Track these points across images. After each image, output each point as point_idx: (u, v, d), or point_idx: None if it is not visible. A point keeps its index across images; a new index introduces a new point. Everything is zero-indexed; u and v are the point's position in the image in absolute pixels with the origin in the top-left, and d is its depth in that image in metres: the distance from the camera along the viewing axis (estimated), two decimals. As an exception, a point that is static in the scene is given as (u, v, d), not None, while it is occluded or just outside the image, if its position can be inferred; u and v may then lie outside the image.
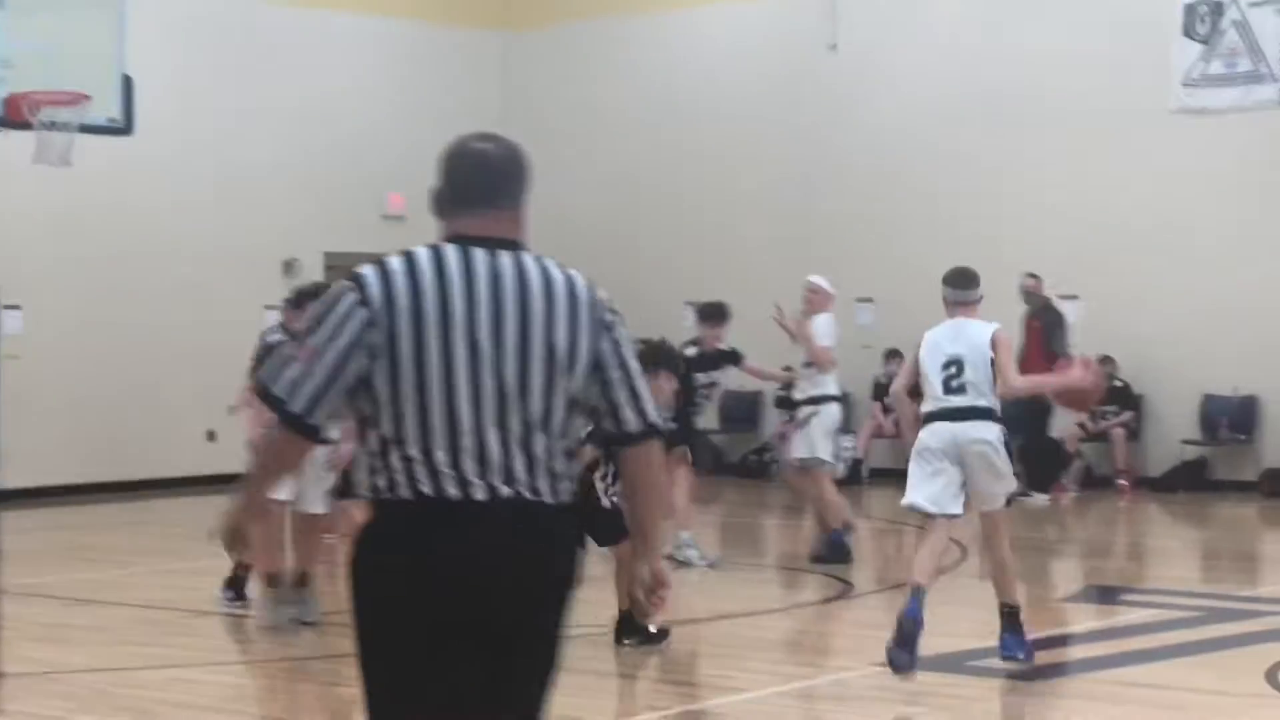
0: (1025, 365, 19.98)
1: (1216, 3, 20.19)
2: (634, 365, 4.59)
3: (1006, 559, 9.97)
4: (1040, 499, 19.31)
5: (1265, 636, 10.93)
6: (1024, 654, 9.86)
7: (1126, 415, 20.28)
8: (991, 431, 9.72)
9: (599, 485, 10.78)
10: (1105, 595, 12.95)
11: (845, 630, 12.20)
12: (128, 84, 14.80)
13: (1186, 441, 20.31)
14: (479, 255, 4.49)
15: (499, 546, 4.38)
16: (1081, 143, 20.74)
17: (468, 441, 4.37)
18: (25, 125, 13.97)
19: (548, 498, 4.44)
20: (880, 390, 21.31)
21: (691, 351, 14.63)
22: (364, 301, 4.39)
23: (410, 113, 23.98)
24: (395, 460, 4.40)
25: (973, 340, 9.99)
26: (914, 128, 21.74)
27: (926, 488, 9.72)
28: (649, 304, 23.44)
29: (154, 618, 11.95)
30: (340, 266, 23.31)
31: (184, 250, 21.04)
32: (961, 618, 12.45)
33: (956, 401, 9.77)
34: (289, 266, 21.79)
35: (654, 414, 4.57)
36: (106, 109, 14.60)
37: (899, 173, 21.83)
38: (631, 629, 10.55)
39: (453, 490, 4.36)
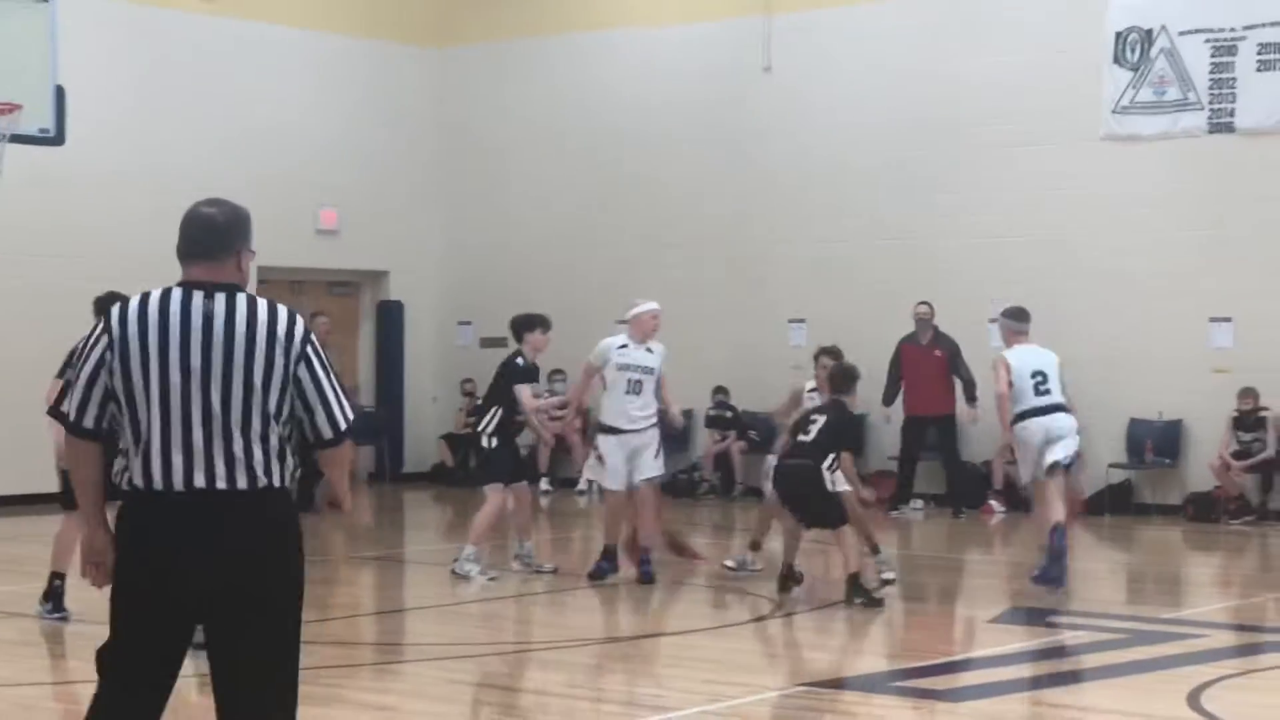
0: (927, 390, 20.20)
1: (1146, 30, 20.38)
2: (326, 384, 5.70)
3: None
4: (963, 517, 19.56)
5: (1189, 659, 11.02)
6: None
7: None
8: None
9: (826, 477, 12.92)
10: (1031, 616, 13.02)
11: (775, 649, 12.23)
12: (60, 94, 14.71)
13: (1113, 465, 20.47)
14: (197, 297, 5.65)
15: (205, 525, 5.55)
16: (1012, 166, 20.88)
17: (178, 444, 5.55)
18: (-44, 135, 13.91)
19: (242, 485, 5.55)
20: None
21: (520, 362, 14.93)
22: (107, 329, 5.66)
23: (346, 128, 23.96)
24: (132, 454, 5.62)
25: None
26: (847, 150, 21.86)
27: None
28: (583, 321, 23.45)
29: (83, 631, 11.88)
30: (274, 281, 23.28)
31: (116, 259, 20.93)
32: (884, 639, 12.52)
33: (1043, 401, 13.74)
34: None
35: (343, 423, 5.71)
36: (38, 118, 14.50)
37: (833, 194, 21.94)
38: (858, 591, 12.70)
39: (167, 481, 5.55)
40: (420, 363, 25.04)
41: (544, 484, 22.83)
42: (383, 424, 24.45)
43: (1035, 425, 13.74)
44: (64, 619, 11.72)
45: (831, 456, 13.21)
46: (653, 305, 14.99)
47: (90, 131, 18.76)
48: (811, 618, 13.05)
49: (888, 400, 20.45)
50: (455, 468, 23.73)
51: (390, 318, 24.61)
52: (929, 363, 20.25)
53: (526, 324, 15.33)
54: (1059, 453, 13.78)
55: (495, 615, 13.40)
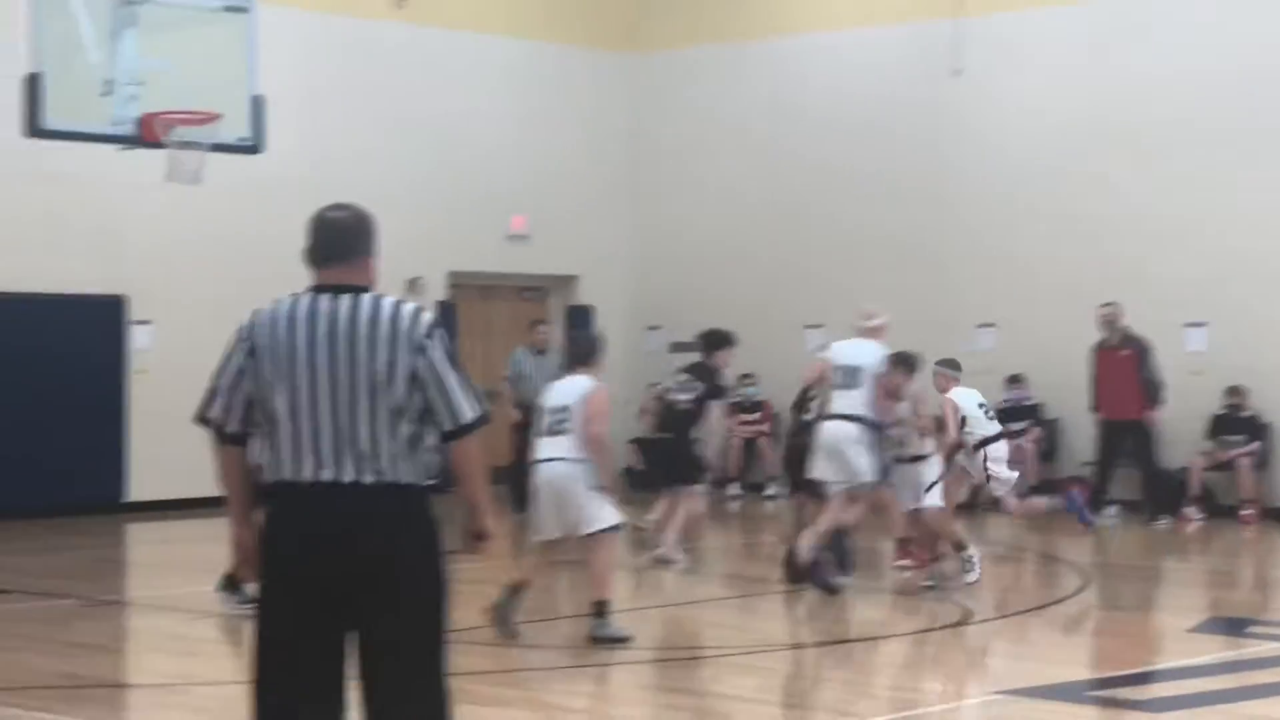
0: (1119, 393, 19.87)
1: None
2: (448, 377, 5.82)
3: None
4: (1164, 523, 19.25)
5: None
6: None
7: (1254, 445, 20.01)
8: None
9: None
10: (1230, 626, 12.78)
11: (967, 655, 12.11)
12: (258, 103, 14.94)
13: (1312, 470, 20.04)
14: (324, 299, 5.87)
15: (335, 517, 5.74)
16: (1209, 166, 20.49)
17: (308, 440, 5.76)
18: (158, 144, 14.15)
19: (369, 480, 5.72)
20: (1004, 416, 21.13)
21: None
22: (244, 337, 5.95)
23: (536, 134, 24.11)
24: (269, 452, 5.85)
25: None
26: (1039, 152, 21.57)
27: None
28: (770, 325, 23.46)
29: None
30: (464, 285, 23.51)
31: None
32: (1080, 647, 12.35)
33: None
34: (413, 285, 21.95)
35: (465, 416, 5.81)
36: (237, 128, 14.73)
37: (1023, 198, 21.67)
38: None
39: (298, 475, 5.76)
40: (609, 367, 25.05)
41: (734, 488, 22.85)
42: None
43: (998, 449, 14.83)
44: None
45: None
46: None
47: (286, 140, 19.02)
48: (1004, 625, 12.91)
49: (1095, 406, 20.08)
50: (645, 471, 23.74)
51: (581, 322, 24.72)
52: (1118, 365, 19.87)
53: (720, 341, 15.79)
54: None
55: (684, 619, 13.40)
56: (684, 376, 16.05)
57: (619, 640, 11.39)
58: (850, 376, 13.97)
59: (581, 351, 12.11)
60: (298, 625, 5.76)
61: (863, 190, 22.96)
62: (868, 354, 14.16)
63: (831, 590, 13.47)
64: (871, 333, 14.61)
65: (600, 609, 11.49)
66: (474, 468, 5.95)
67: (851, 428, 13.80)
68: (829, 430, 13.88)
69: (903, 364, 14.16)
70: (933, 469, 14.23)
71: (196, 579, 13.77)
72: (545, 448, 11.63)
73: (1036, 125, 21.65)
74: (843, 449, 13.78)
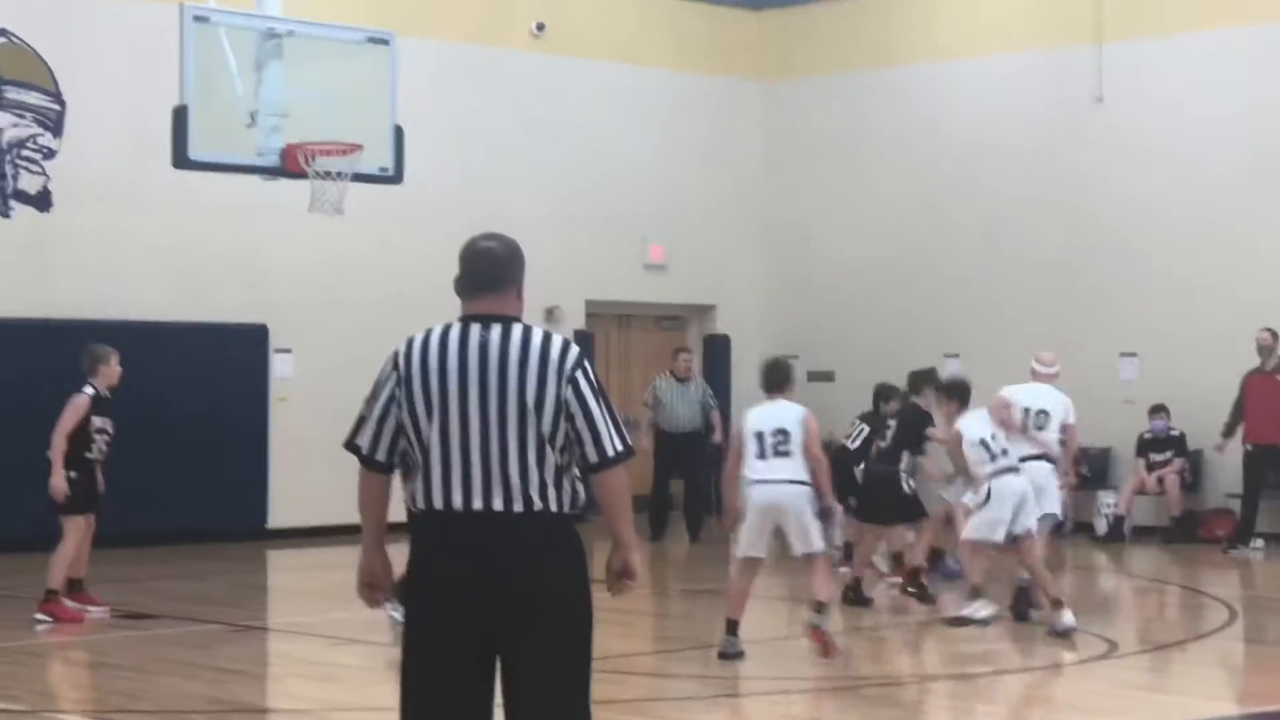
0: (1272, 420, 19.53)
1: None
2: (595, 408, 5.85)
3: None
4: None
5: None
6: None
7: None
8: None
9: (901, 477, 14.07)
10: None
11: (1112, 688, 11.95)
12: (398, 133, 15.07)
13: None
14: (475, 329, 5.92)
15: (484, 546, 5.78)
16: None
17: (458, 469, 5.80)
18: (300, 175, 14.30)
19: (518, 509, 5.76)
20: (1144, 446, 20.90)
21: None
22: (396, 367, 5.96)
23: (672, 163, 24.15)
24: (419, 480, 5.87)
25: None
26: (1183, 181, 21.29)
27: None
28: (907, 354, 23.29)
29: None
30: (602, 315, 23.58)
31: (446, 294, 21.40)
32: (1227, 682, 12.15)
33: None
34: (551, 314, 22.06)
35: (611, 449, 5.85)
36: (378, 158, 14.86)
37: (1165, 227, 21.38)
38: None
39: (448, 504, 5.80)
40: (748, 396, 24.97)
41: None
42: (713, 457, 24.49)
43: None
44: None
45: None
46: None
47: (426, 170, 19.17)
48: (1149, 658, 12.73)
49: (1228, 432, 19.80)
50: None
51: (718, 351, 24.70)
52: (1272, 390, 19.52)
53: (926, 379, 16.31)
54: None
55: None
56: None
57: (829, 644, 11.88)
58: (1042, 419, 14.51)
59: (781, 376, 12.39)
60: (444, 652, 5.79)
61: (1002, 218, 22.78)
62: (1052, 398, 14.72)
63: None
64: (1049, 378, 14.91)
65: (821, 607, 11.97)
66: (620, 501, 5.96)
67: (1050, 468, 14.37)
68: (1034, 471, 14.06)
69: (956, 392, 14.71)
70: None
71: (335, 605, 13.88)
72: (768, 469, 11.92)
73: (1179, 152, 21.38)
74: (1045, 488, 14.13)
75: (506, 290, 6.01)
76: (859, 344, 23.79)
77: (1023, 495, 13.53)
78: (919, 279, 23.47)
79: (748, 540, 12.02)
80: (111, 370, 14.00)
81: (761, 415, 12.11)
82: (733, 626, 11.97)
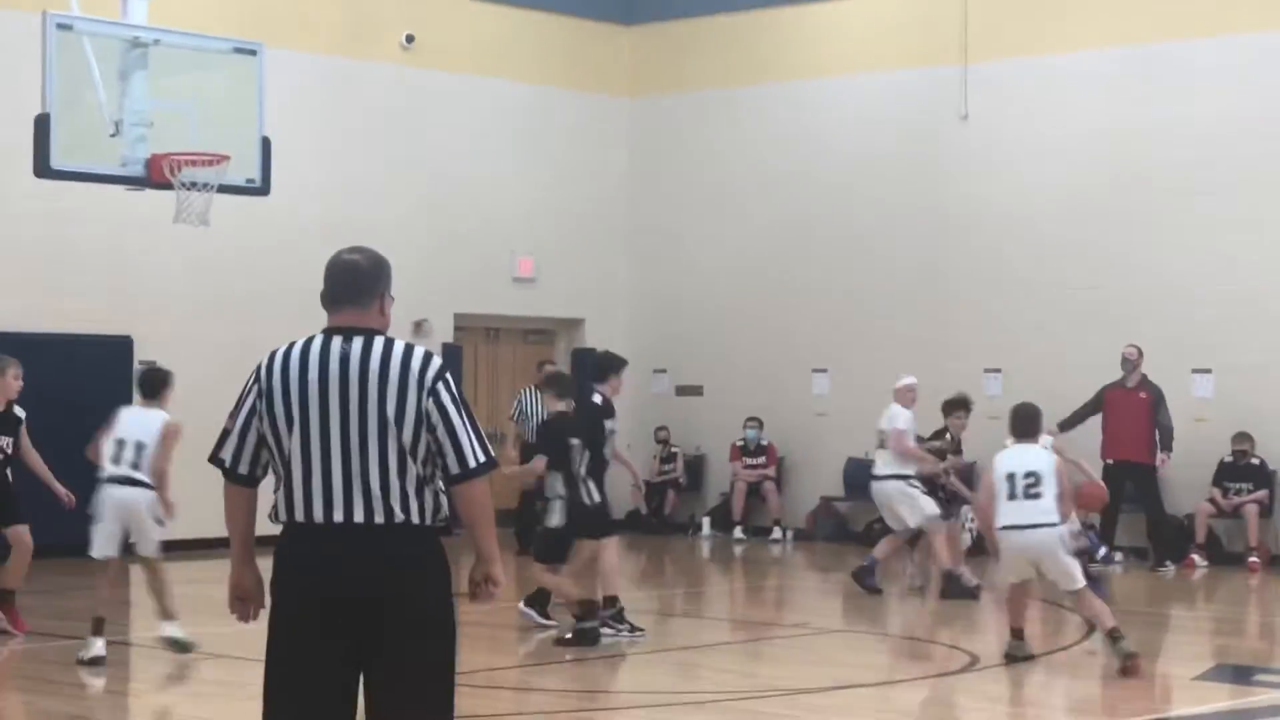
0: (1129, 436, 19.85)
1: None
2: (456, 420, 5.87)
3: None
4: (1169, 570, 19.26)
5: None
6: None
7: (1261, 493, 19.98)
8: None
9: (583, 488, 13.48)
10: (1237, 674, 12.73)
11: (967, 703, 12.08)
12: (265, 145, 14.98)
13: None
14: (337, 341, 5.94)
15: (345, 558, 5.79)
16: (1214, 215, 20.52)
17: (318, 480, 5.81)
18: (166, 185, 14.16)
19: (379, 520, 5.78)
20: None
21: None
22: (257, 379, 6.00)
23: (541, 177, 24.16)
24: (281, 492, 5.89)
25: None
26: (1049, 197, 21.59)
27: None
28: (774, 371, 23.51)
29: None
30: (470, 328, 23.54)
31: (314, 307, 21.28)
32: (1084, 694, 12.29)
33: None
34: (419, 327, 21.98)
35: (473, 460, 5.87)
36: (245, 169, 14.76)
37: (1033, 243, 21.67)
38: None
39: (309, 516, 5.81)
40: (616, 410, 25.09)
41: (739, 532, 22.90)
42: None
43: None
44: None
45: None
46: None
47: (292, 182, 19.07)
48: (1008, 671, 12.86)
49: (1064, 427, 19.85)
50: (650, 515, 23.76)
51: (586, 365, 24.70)
52: (1133, 406, 19.83)
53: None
54: None
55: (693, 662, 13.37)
56: None
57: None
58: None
59: (1033, 422, 12.88)
60: (306, 664, 5.79)
61: (870, 233, 22.99)
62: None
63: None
64: (904, 395, 15.56)
65: (1115, 633, 12.23)
66: (482, 513, 5.97)
67: None
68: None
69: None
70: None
71: (203, 619, 13.74)
72: (1018, 512, 12.26)
73: (1042, 167, 21.67)
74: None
75: (369, 303, 6.02)
76: (727, 358, 23.93)
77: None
78: (787, 293, 23.62)
79: (1007, 571, 12.60)
80: (8, 384, 13.59)
81: (1012, 458, 12.44)
82: (1018, 633, 12.61)
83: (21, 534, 13.70)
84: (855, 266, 23.11)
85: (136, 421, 12.58)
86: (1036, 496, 12.15)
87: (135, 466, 12.41)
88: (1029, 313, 21.63)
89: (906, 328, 22.39)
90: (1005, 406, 21.01)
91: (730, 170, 24.32)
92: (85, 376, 19.76)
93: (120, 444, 12.37)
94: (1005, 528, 12.22)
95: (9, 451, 13.61)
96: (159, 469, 12.42)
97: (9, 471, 13.66)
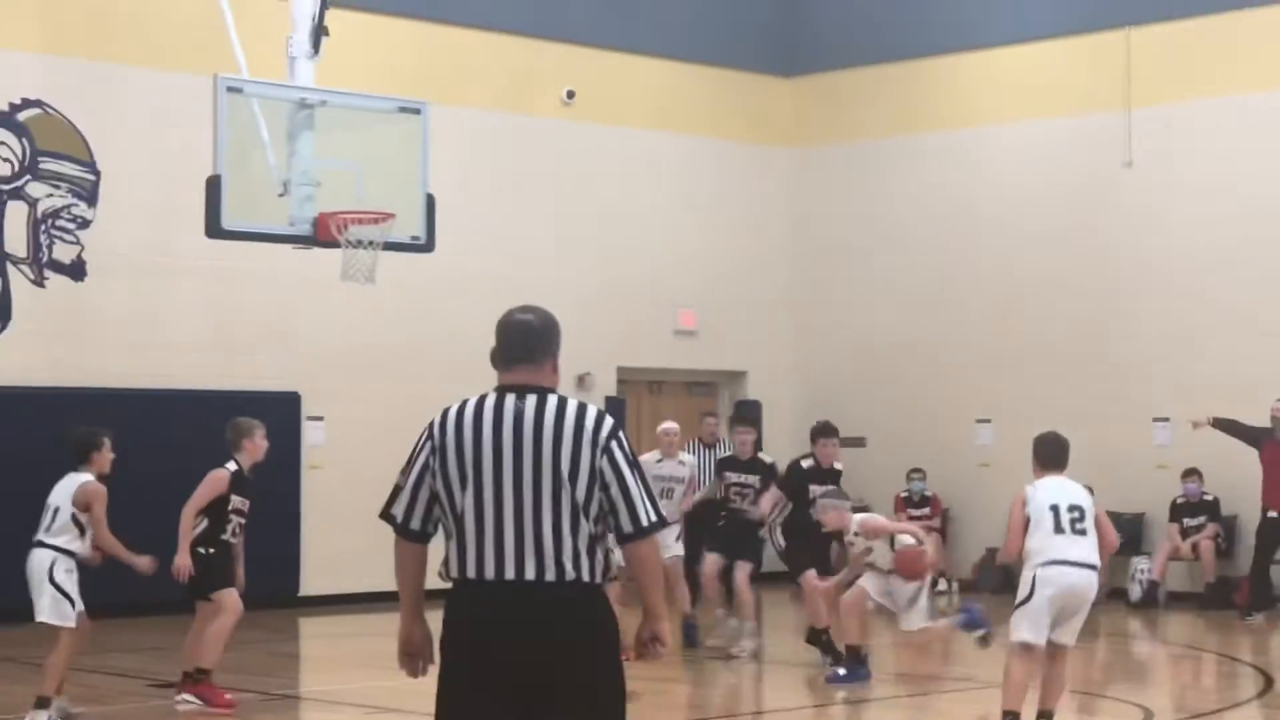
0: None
1: None
2: (630, 479, 5.88)
3: None
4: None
5: None
6: None
7: None
8: None
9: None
10: None
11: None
12: (430, 202, 15.11)
13: None
14: (510, 399, 5.98)
15: (517, 615, 5.81)
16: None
17: (491, 538, 5.84)
18: (332, 243, 14.33)
19: (550, 577, 5.79)
20: (1178, 511, 20.81)
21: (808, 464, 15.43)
22: (430, 436, 6.03)
23: (702, 229, 24.21)
24: (453, 549, 5.93)
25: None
26: (1214, 243, 21.28)
27: None
28: (937, 422, 23.32)
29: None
30: (633, 381, 23.59)
31: (479, 362, 21.42)
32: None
33: None
34: (582, 380, 22.09)
35: (645, 519, 5.88)
36: (409, 227, 14.89)
37: (1199, 290, 21.36)
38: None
39: (481, 573, 5.85)
40: (779, 461, 25.03)
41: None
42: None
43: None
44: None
45: None
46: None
47: (456, 237, 19.25)
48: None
49: (1221, 425, 19.49)
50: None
51: (748, 415, 24.65)
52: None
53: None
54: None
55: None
56: None
57: None
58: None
59: (1065, 451, 11.53)
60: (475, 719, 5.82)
61: (1032, 282, 22.78)
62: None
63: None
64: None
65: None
66: (651, 572, 6.00)
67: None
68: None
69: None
70: None
71: (370, 674, 13.86)
72: (1069, 548, 10.88)
73: (1209, 216, 21.37)
74: None
75: (542, 362, 6.08)
76: (890, 409, 23.78)
77: None
78: (949, 343, 23.46)
79: (1032, 624, 10.82)
80: (257, 446, 13.45)
81: (1054, 489, 11.13)
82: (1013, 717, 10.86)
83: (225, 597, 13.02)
84: (1018, 315, 22.90)
85: (60, 488, 12.20)
86: (1084, 533, 10.84)
87: (47, 530, 12.15)
88: (1194, 363, 21.28)
89: (1070, 376, 22.14)
90: (1174, 457, 21.02)
91: (891, 220, 24.21)
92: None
93: (45, 509, 12.15)
94: (1053, 563, 10.78)
95: (246, 513, 13.26)
96: (98, 536, 12.13)
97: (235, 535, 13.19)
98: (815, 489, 15.03)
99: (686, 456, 16.88)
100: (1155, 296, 21.78)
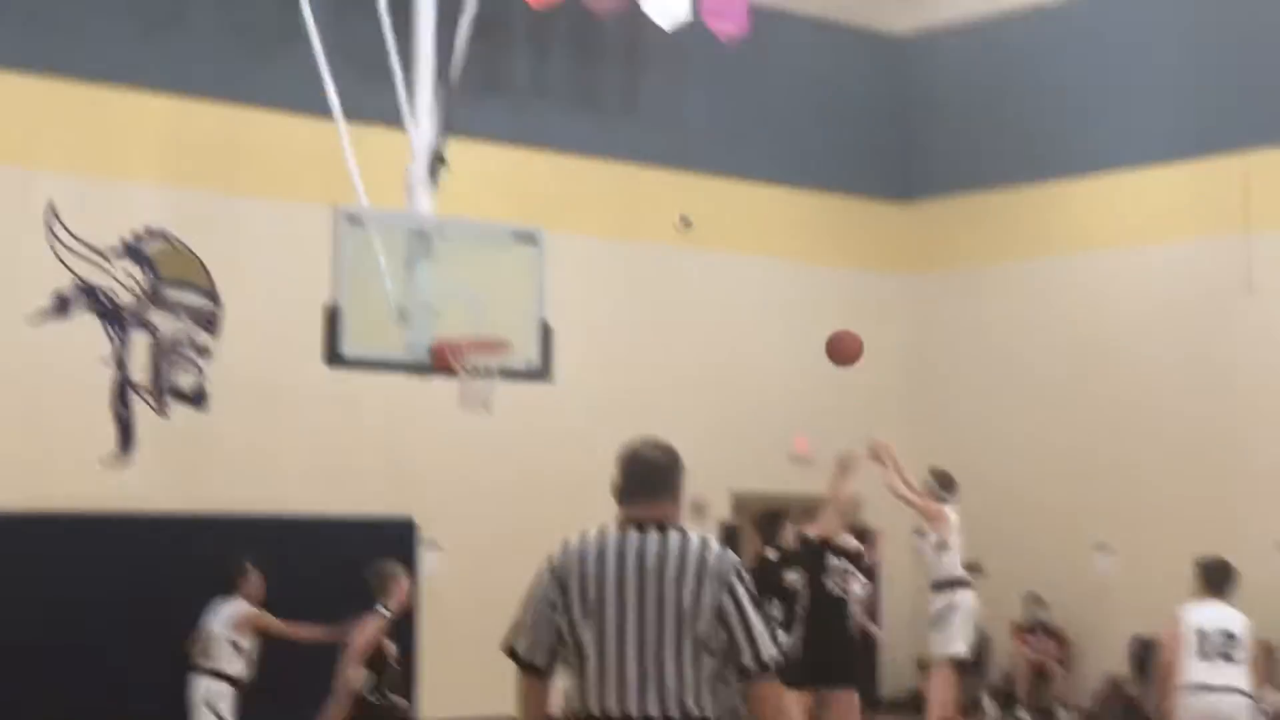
0: None
1: None
2: (752, 616, 5.87)
3: None
4: None
5: None
6: None
7: None
8: None
9: None
10: None
11: None
12: (546, 329, 15.18)
13: None
14: (632, 534, 5.98)
15: None
16: None
17: (613, 673, 5.81)
18: (449, 371, 14.41)
19: (674, 715, 5.77)
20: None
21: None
22: (551, 570, 6.04)
23: (817, 354, 24.08)
24: (575, 684, 5.93)
25: None
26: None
27: None
28: (1056, 548, 23.05)
29: None
30: (748, 507, 23.46)
31: (594, 489, 21.42)
32: None
33: None
34: (697, 507, 22.00)
35: (768, 657, 5.85)
36: (525, 354, 14.95)
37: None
38: None
39: (604, 709, 5.83)
40: (895, 584, 24.85)
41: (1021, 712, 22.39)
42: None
43: None
44: None
45: None
46: None
47: (570, 364, 19.28)
48: None
49: None
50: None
51: (863, 541, 24.46)
52: None
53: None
54: None
55: None
56: None
57: None
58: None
59: (1227, 576, 11.36)
60: None
61: (1152, 407, 22.55)
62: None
63: None
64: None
65: None
66: (775, 708, 5.98)
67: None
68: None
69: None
70: None
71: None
72: (1215, 673, 10.77)
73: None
74: None
75: (665, 497, 6.11)
76: (1007, 535, 23.53)
77: None
78: (1067, 469, 23.23)
79: None
80: (402, 588, 13.64)
81: (1208, 613, 11.04)
82: None
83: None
84: (1136, 440, 22.66)
85: (215, 612, 12.37)
86: (1230, 659, 10.74)
87: (205, 655, 12.20)
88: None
89: (1191, 502, 21.84)
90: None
91: (1007, 346, 24.08)
92: (368, 557, 20.12)
93: (201, 635, 12.26)
94: (1193, 687, 10.73)
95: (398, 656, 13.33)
96: (289, 634, 12.19)
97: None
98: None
99: None
100: (1276, 420, 21.48)
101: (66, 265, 18.78)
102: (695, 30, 22.53)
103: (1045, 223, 23.90)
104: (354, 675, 12.72)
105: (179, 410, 19.38)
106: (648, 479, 6.10)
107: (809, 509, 15.49)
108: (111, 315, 19.01)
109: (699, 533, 6.08)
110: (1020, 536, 23.43)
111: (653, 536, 5.97)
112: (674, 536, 5.98)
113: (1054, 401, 23.49)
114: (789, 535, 15.11)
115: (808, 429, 23.97)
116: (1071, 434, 23.27)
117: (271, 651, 15.06)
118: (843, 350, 13.31)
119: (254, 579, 12.61)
